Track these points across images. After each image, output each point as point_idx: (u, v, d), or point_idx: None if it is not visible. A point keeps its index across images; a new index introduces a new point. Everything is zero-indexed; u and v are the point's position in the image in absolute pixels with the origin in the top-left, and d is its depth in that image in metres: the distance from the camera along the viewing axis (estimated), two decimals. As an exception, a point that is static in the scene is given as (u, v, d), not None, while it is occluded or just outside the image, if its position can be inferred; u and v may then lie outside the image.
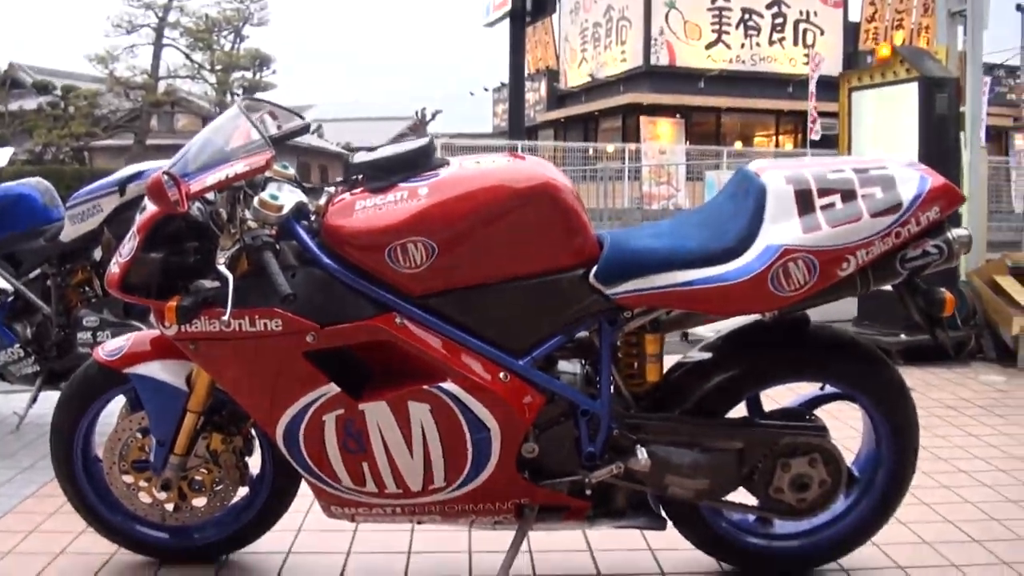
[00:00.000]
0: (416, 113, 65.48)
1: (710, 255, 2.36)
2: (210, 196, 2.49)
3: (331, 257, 2.40)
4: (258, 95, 36.30)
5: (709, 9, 27.69)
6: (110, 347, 2.83)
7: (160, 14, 32.59)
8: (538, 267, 2.41)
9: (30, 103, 32.77)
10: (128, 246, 2.46)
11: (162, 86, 33.16)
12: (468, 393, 2.38)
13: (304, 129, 2.85)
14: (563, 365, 2.60)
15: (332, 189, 2.61)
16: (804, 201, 2.32)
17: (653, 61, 27.45)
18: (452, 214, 2.36)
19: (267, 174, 2.59)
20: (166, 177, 2.24)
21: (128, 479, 2.87)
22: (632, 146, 24.54)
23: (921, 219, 2.30)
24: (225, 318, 2.29)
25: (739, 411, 2.62)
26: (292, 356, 2.40)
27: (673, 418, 2.52)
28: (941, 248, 2.34)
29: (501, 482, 2.48)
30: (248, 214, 2.41)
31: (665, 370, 2.61)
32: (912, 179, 2.34)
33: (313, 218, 2.50)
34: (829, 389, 2.70)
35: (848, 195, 2.32)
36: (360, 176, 2.51)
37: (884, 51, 6.48)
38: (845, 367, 2.60)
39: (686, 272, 2.34)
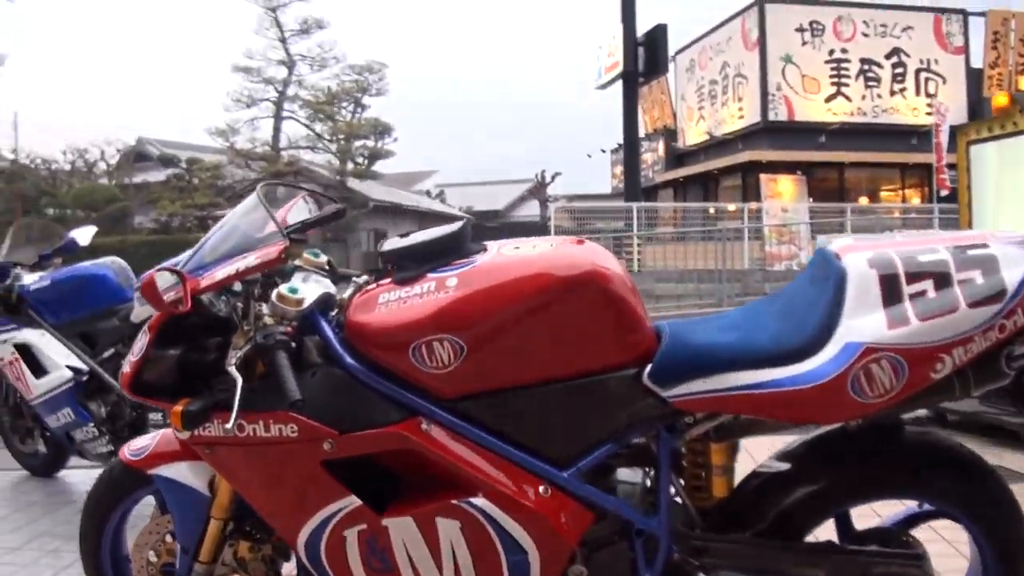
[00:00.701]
0: (536, 176, 65.94)
1: (782, 353, 2.02)
2: (237, 287, 2.30)
3: (355, 355, 2.17)
4: (378, 163, 37.12)
5: (827, 62, 27.22)
6: (136, 445, 2.68)
7: (280, 88, 33.45)
8: (584, 366, 2.12)
9: (155, 175, 34.01)
10: (139, 343, 2.29)
11: (285, 156, 33.94)
12: (502, 510, 2.10)
13: (338, 214, 2.63)
14: (622, 473, 2.29)
15: (363, 279, 2.39)
16: (890, 289, 1.96)
17: (771, 117, 27.02)
18: (481, 309, 2.10)
19: (296, 262, 2.41)
20: (168, 275, 2.10)
21: None
22: (753, 205, 23.97)
23: None
24: (229, 425, 2.08)
25: (825, 530, 2.25)
26: (309, 465, 2.17)
27: (743, 540, 2.17)
28: None
29: None
30: (265, 309, 2.20)
31: (739, 481, 2.27)
32: (1018, 260, 1.96)
33: (336, 312, 2.28)
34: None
35: (942, 280, 1.95)
36: (390, 266, 2.28)
37: (1001, 100, 5.96)
38: (943, 482, 2.18)
39: (754, 373, 2.02)
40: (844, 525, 2.29)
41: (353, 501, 2.18)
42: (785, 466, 2.22)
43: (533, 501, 2.11)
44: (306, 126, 34.71)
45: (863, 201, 26.94)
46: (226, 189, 32.21)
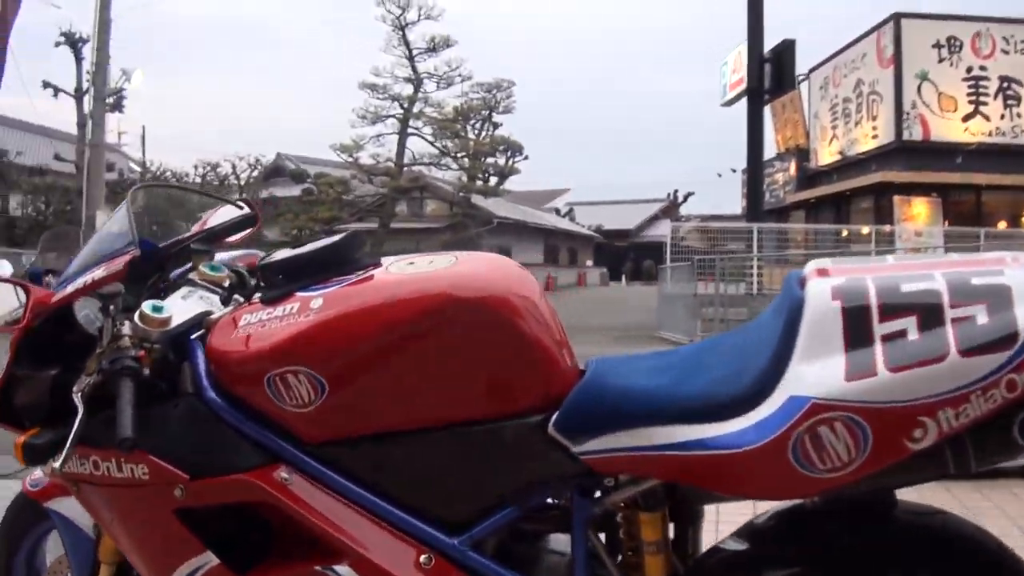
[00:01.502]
0: (668, 195, 65.41)
1: (714, 403, 1.54)
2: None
3: (218, 388, 1.81)
4: (511, 182, 37.08)
5: (964, 79, 25.99)
6: (36, 475, 2.39)
7: (405, 105, 33.69)
8: (477, 410, 1.70)
9: (287, 190, 34.71)
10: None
11: (409, 172, 34.27)
12: None
13: (249, 221, 2.27)
14: (550, 543, 1.87)
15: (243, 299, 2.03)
16: (856, 326, 1.43)
17: (906, 136, 25.95)
18: (343, 337, 1.71)
19: (192, 276, 2.07)
20: (12, 288, 1.92)
21: None
22: (886, 228, 23.00)
23: None
24: (57, 465, 1.77)
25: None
26: (163, 514, 1.83)
27: None
28: None
29: None
30: (127, 329, 1.85)
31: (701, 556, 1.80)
32: None
33: (198, 335, 1.91)
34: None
35: (929, 317, 1.40)
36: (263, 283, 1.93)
37: None
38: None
39: (678, 428, 1.54)
40: None
41: (210, 559, 1.83)
42: (742, 546, 1.71)
43: (407, 574, 1.70)
44: (430, 143, 34.92)
45: (1002, 226, 25.54)
46: (349, 204, 32.65)
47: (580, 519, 1.71)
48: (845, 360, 1.42)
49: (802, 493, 1.52)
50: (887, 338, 1.41)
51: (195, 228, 2.24)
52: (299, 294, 1.78)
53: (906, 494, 1.65)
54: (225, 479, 1.77)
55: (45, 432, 1.84)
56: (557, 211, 63.14)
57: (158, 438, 1.81)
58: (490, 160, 35.96)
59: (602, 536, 1.81)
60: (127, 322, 1.87)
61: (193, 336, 1.90)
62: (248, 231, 2.29)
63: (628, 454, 1.59)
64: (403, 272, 1.80)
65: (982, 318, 1.38)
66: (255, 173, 38.32)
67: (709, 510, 1.93)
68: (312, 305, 1.73)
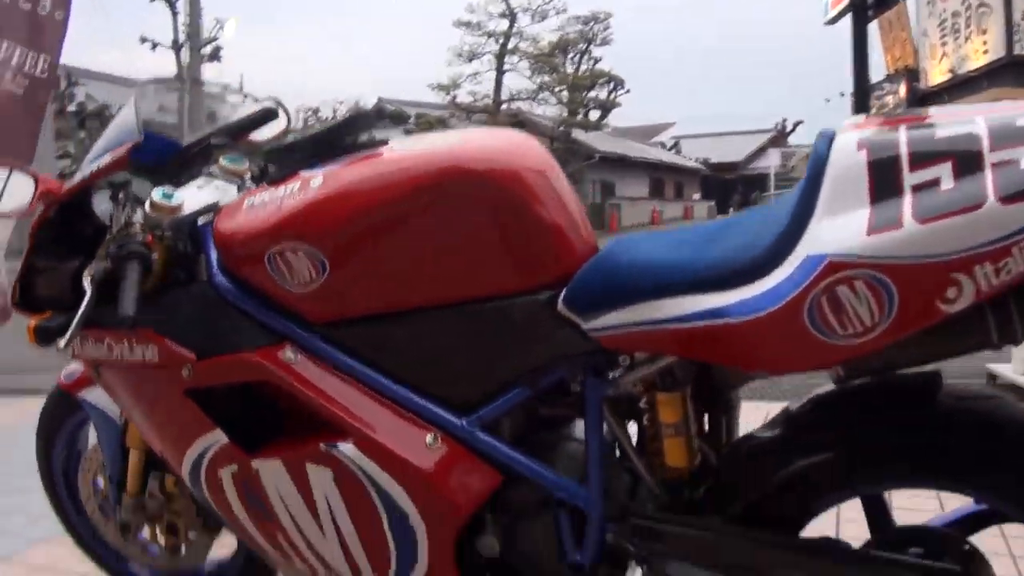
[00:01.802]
0: (776, 125, 64.12)
1: (731, 271, 1.41)
2: None
3: (226, 272, 1.82)
4: (615, 117, 36.69)
5: (1081, -16, 24.46)
6: (70, 368, 2.46)
7: (500, 41, 33.43)
8: (486, 287, 1.62)
9: (386, 133, 34.90)
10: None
11: (510, 109, 34.08)
12: (372, 460, 1.67)
13: (268, 115, 2.20)
14: (573, 427, 1.79)
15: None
16: (884, 177, 1.27)
17: (1017, 51, 24.58)
18: (341, 212, 1.64)
19: (212, 168, 2.06)
20: (24, 175, 1.98)
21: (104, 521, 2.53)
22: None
23: None
24: (62, 344, 1.79)
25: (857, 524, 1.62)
26: (175, 394, 1.85)
27: (706, 526, 1.58)
28: None
29: None
30: (138, 216, 1.88)
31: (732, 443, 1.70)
32: None
33: (207, 221, 1.92)
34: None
35: (967, 162, 1.21)
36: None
37: None
38: (1003, 475, 1.41)
39: (687, 299, 1.43)
40: (878, 517, 1.64)
41: (220, 438, 1.84)
42: (774, 432, 1.58)
43: (412, 453, 1.66)
44: (528, 78, 34.66)
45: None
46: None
47: (593, 400, 1.62)
48: (869, 214, 1.26)
49: (822, 362, 1.36)
50: (918, 188, 1.24)
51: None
52: (303, 173, 1.74)
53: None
54: (231, 358, 1.77)
55: (57, 316, 1.93)
56: (663, 145, 62.38)
57: (167, 320, 1.84)
58: (591, 94, 35.56)
59: (623, 423, 1.70)
60: (139, 210, 1.88)
61: (205, 223, 1.90)
62: (279, 131, 2.23)
63: (638, 329, 1.48)
64: (408, 148, 1.72)
65: None
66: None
67: (749, 408, 1.81)
68: (312, 183, 1.68)
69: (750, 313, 1.34)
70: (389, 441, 1.66)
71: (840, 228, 1.28)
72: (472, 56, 33.02)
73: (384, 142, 1.79)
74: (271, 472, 1.80)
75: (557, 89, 34.54)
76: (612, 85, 36.83)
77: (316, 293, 1.68)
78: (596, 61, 36.12)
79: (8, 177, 2.06)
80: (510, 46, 33.35)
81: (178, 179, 2.05)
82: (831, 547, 1.53)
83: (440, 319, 1.65)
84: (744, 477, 1.59)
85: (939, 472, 1.45)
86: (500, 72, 33.72)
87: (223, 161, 2.05)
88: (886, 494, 1.63)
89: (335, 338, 1.72)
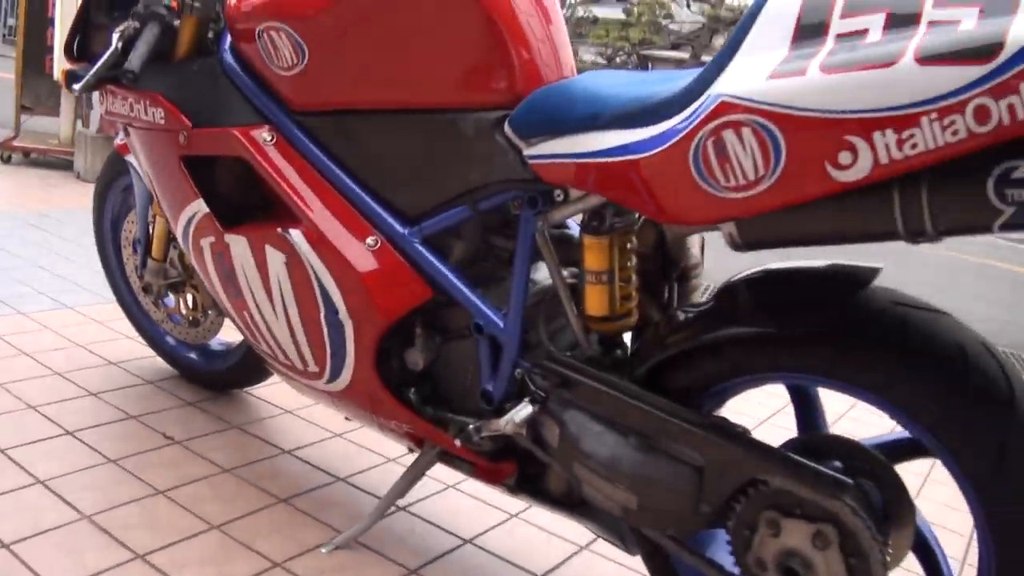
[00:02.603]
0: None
1: (650, 106, 1.34)
2: None
3: (232, 51, 1.92)
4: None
5: None
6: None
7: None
8: (445, 96, 1.62)
9: (608, 11, 34.06)
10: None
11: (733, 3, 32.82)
12: (312, 249, 1.75)
13: None
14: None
15: None
16: (812, 21, 1.15)
17: None
18: None
19: None
20: None
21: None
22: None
23: None
24: (76, 88, 2.01)
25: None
26: (172, 156, 2.00)
27: (603, 379, 1.54)
28: None
29: (367, 391, 1.82)
30: None
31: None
32: None
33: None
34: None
35: (902, 16, 1.07)
36: None
37: None
38: (924, 401, 1.27)
39: (610, 134, 1.38)
40: (808, 420, 1.57)
41: (201, 207, 1.97)
42: (709, 305, 1.50)
43: (351, 250, 1.72)
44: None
45: None
46: (669, 32, 31.75)
47: (526, 234, 1.61)
48: (781, 58, 1.16)
49: (707, 215, 1.27)
50: (842, 36, 1.11)
51: None
52: None
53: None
54: (217, 130, 1.88)
55: (89, 66, 2.03)
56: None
57: (176, 87, 1.95)
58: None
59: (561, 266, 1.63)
60: None
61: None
62: None
63: (564, 161, 1.47)
64: None
65: (968, 23, 1.01)
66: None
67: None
68: None
69: (645, 151, 1.29)
70: (332, 235, 1.72)
71: (748, 69, 1.18)
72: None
73: None
74: (238, 247, 1.90)
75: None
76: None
77: (296, 79, 1.74)
78: None
79: None
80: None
81: None
82: (726, 428, 1.46)
83: (399, 123, 1.68)
84: (657, 341, 1.54)
85: (855, 372, 1.33)
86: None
87: None
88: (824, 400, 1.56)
89: (308, 127, 1.78)
